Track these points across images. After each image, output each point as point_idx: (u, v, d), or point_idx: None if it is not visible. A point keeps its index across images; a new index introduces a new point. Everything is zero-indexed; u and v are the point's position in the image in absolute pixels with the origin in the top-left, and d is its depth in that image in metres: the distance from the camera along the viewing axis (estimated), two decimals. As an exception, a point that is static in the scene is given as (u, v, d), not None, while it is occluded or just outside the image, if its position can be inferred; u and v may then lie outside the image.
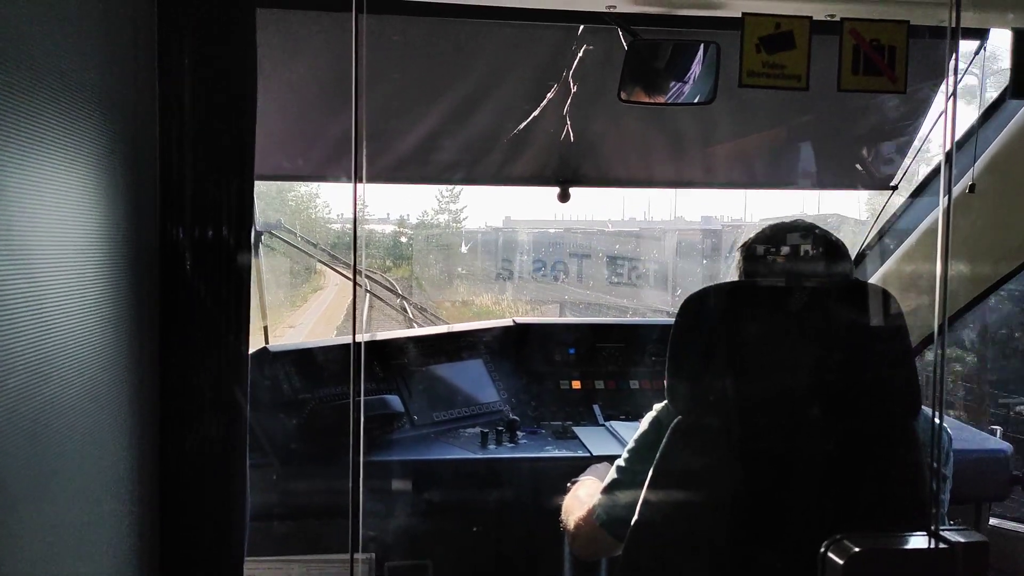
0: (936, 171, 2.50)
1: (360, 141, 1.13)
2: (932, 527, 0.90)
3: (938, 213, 2.38)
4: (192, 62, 1.10)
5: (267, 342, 2.43)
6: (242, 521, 1.21)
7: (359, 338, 1.37)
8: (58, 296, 0.82)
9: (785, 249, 1.58)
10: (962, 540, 0.90)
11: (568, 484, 1.90)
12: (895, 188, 2.61)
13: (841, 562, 0.89)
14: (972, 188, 2.14)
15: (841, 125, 2.45)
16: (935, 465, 1.29)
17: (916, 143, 2.51)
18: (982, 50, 2.13)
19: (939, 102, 2.32)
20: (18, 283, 0.73)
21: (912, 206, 2.61)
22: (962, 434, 2.28)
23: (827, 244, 1.57)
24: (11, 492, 0.72)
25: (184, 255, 1.12)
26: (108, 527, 0.97)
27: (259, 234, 2.45)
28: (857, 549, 0.89)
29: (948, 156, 1.22)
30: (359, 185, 1.14)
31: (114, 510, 0.98)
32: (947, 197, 1.04)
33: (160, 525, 1.12)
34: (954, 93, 1.12)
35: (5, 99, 0.70)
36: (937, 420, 1.13)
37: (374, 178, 2.45)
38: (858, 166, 2.63)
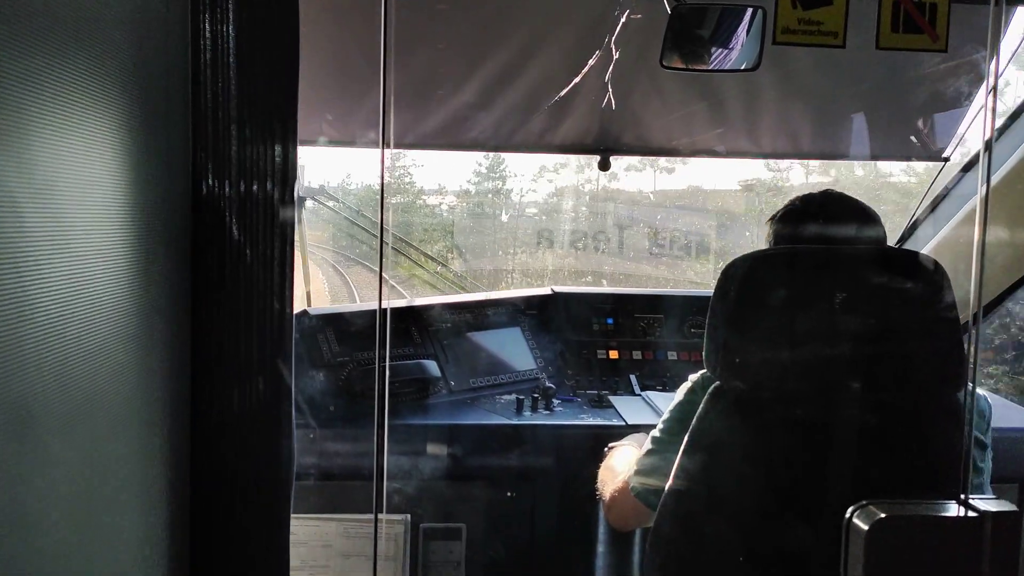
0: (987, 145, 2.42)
1: (388, 106, 1.13)
2: (961, 495, 0.89)
3: (996, 178, 2.30)
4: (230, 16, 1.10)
5: (309, 305, 2.47)
6: (288, 477, 1.23)
7: (385, 304, 1.38)
8: (84, 236, 0.83)
9: (816, 219, 1.56)
10: (992, 509, 0.88)
11: (606, 448, 1.90)
12: (947, 159, 2.54)
13: (866, 528, 0.88)
14: None
15: (891, 94, 2.38)
16: (967, 431, 1.26)
17: (971, 113, 2.43)
18: (1042, 14, 2.05)
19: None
20: (43, 222, 0.75)
21: (964, 179, 2.54)
22: (1007, 412, 2.23)
23: (858, 212, 1.55)
24: (41, 427, 0.74)
25: (219, 212, 1.13)
26: (138, 467, 0.99)
27: (302, 199, 2.48)
28: (882, 515, 0.88)
29: (987, 145, 1.17)
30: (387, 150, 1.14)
31: (144, 450, 1.01)
32: (985, 187, 1.01)
33: (190, 466, 1.14)
34: (995, 86, 1.07)
35: (27, 51, 0.72)
36: (973, 389, 1.10)
37: (414, 144, 2.46)
38: (912, 136, 2.56)
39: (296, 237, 1.21)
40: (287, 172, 1.16)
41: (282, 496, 1.23)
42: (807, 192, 1.60)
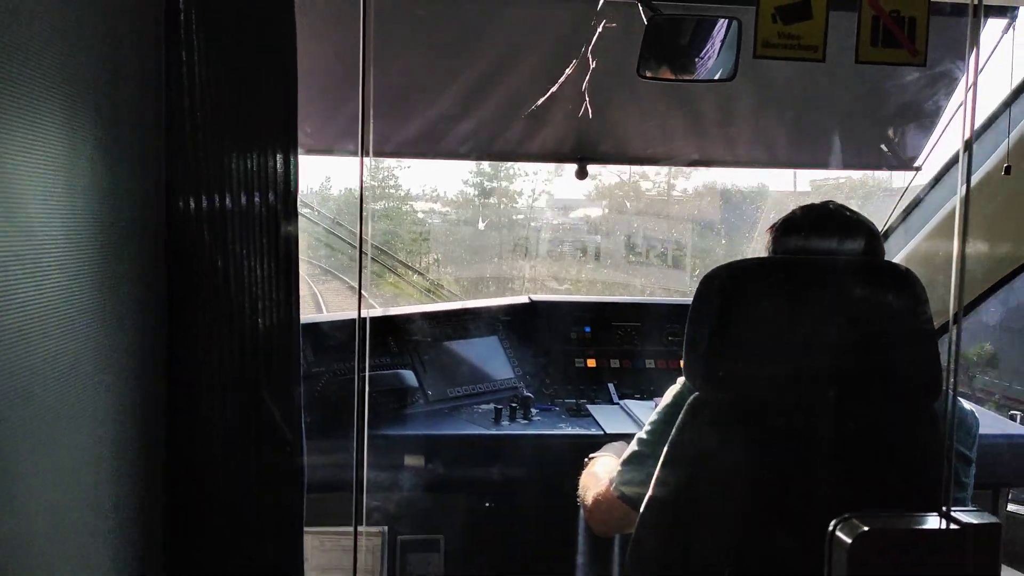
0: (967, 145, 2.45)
1: (367, 115, 1.12)
2: (943, 508, 0.89)
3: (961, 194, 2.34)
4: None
5: (283, 316, 2.43)
6: (300, 492, 1.20)
7: (364, 313, 1.37)
8: (53, 250, 0.81)
9: (815, 230, 1.56)
10: (973, 521, 0.88)
11: (586, 459, 1.90)
12: (919, 169, 2.58)
13: (849, 541, 0.88)
14: (1008, 170, 2.10)
15: (864, 105, 2.41)
16: (948, 444, 1.28)
17: (941, 123, 2.47)
18: (1011, 28, 2.09)
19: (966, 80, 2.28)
20: (10, 236, 0.73)
21: (936, 187, 2.57)
22: (982, 419, 2.25)
23: (858, 225, 1.55)
24: (8, 446, 0.72)
25: (197, 225, 1.11)
26: (111, 482, 0.97)
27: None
28: (865, 528, 0.88)
29: (967, 145, 1.19)
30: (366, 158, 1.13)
31: (117, 465, 0.99)
32: (965, 187, 1.02)
33: (166, 490, 1.12)
34: (974, 83, 1.08)
35: None
36: (953, 402, 1.11)
37: (392, 153, 2.45)
38: (882, 146, 2.59)
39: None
40: (288, 181, 1.14)
41: (291, 513, 1.19)
42: (809, 203, 1.61)
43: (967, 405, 1.68)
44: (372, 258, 3.10)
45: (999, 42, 2.13)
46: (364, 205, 1.25)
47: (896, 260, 2.60)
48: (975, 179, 2.29)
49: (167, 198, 1.07)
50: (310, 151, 2.34)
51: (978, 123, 2.33)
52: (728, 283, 1.43)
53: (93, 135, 0.90)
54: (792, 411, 1.39)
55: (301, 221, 2.90)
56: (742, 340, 1.41)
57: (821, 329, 1.38)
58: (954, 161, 2.50)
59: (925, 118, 2.44)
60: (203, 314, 1.13)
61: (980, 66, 2.14)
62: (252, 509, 1.16)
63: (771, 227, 1.61)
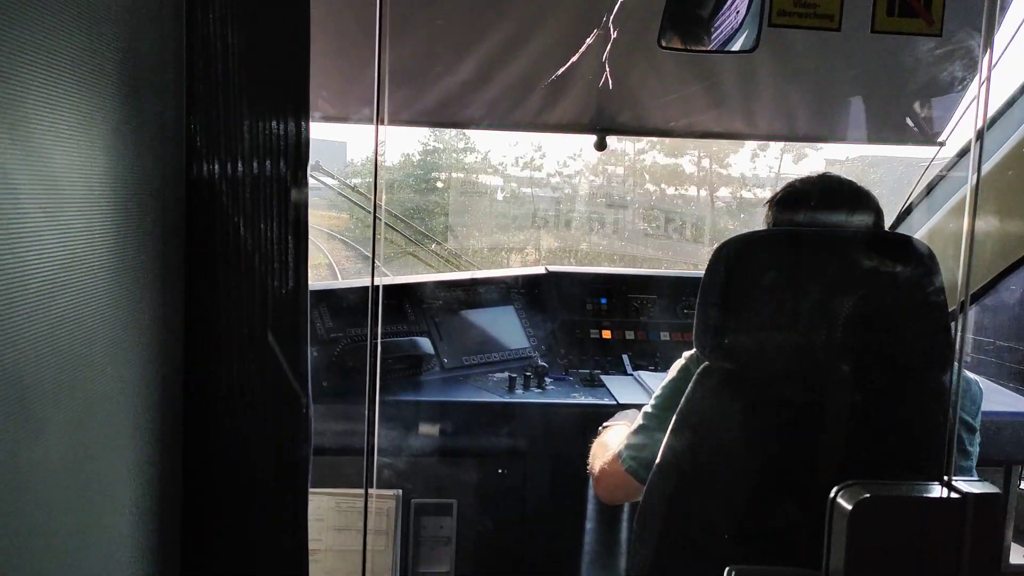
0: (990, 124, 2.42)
1: (383, 83, 1.13)
2: (944, 476, 0.90)
3: (988, 166, 2.31)
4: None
5: (303, 281, 2.46)
6: (304, 451, 1.23)
7: (377, 281, 1.39)
8: (78, 206, 0.84)
9: (814, 203, 1.57)
10: (974, 491, 0.89)
11: (600, 428, 1.92)
12: (943, 144, 2.55)
13: (849, 507, 0.90)
14: None
15: (887, 77, 2.38)
16: (951, 413, 1.28)
17: (966, 98, 2.44)
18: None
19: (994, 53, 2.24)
20: (37, 193, 0.75)
21: (959, 163, 2.54)
22: (996, 396, 2.25)
23: (856, 196, 1.56)
24: (33, 395, 0.75)
25: (216, 187, 1.13)
26: (130, 435, 1.00)
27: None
28: (866, 495, 0.89)
29: (979, 134, 1.17)
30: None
31: (136, 418, 1.01)
32: (976, 175, 1.01)
33: (183, 435, 1.15)
34: (987, 82, 1.07)
35: (19, 21, 0.72)
36: (957, 373, 1.11)
37: (410, 121, 2.45)
38: (908, 119, 2.56)
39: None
40: (299, 147, 1.15)
41: (298, 470, 1.22)
42: (805, 176, 1.62)
43: (971, 376, 1.69)
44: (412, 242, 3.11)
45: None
46: (380, 173, 1.27)
47: (919, 235, 2.58)
48: (1001, 153, 2.26)
49: (187, 162, 1.09)
50: (327, 118, 2.34)
51: (1009, 93, 2.30)
52: (738, 254, 1.44)
53: (119, 95, 0.92)
54: (798, 380, 1.40)
55: (347, 205, 2.87)
56: (750, 310, 1.42)
57: (828, 300, 1.39)
58: (976, 139, 2.47)
59: (949, 91, 2.40)
60: (220, 275, 1.15)
61: (1009, 39, 2.11)
62: (262, 467, 1.19)
63: (770, 200, 1.62)
